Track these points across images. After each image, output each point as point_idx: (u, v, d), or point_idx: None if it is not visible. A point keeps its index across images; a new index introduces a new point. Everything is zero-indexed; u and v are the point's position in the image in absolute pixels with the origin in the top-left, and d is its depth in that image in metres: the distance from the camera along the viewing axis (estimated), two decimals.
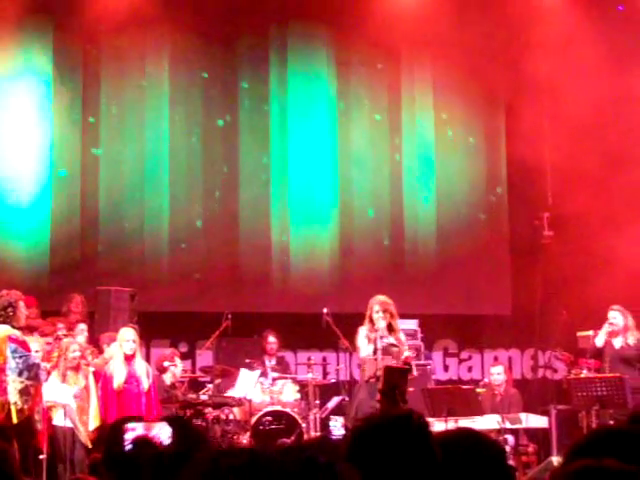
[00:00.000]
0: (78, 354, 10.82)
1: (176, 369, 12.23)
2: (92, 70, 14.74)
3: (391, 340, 11.24)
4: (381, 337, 11.12)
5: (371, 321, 11.34)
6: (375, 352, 11.05)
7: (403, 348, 11.41)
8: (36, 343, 10.53)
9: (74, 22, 14.48)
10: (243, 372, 12.41)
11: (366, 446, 2.80)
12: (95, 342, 11.97)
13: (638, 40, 14.84)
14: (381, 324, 11.22)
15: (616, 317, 11.91)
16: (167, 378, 12.11)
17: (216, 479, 1.68)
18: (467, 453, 3.24)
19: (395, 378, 10.74)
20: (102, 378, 11.01)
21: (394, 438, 2.78)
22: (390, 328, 11.33)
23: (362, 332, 11.40)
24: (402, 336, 11.60)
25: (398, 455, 2.76)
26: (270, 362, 13.41)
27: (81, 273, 14.22)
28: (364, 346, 11.35)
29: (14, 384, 9.38)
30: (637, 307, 12.29)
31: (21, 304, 9.90)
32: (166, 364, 12.18)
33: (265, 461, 1.70)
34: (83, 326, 12.10)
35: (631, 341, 11.86)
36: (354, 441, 2.84)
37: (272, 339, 13.61)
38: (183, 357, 13.22)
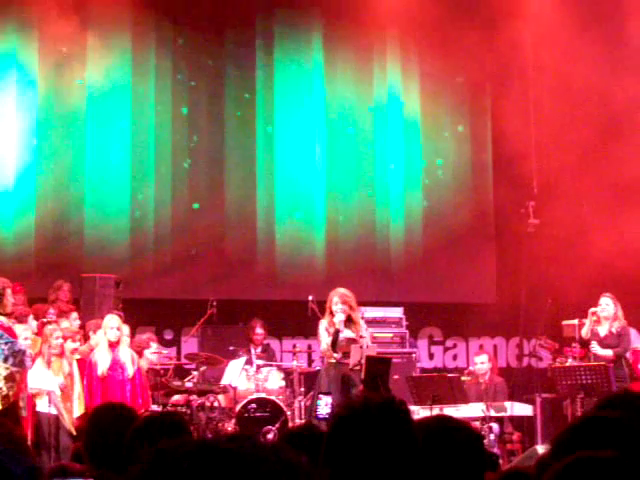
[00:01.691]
0: (61, 341, 10.79)
1: (153, 355, 12.01)
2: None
3: (348, 334, 11.31)
4: (337, 331, 11.31)
5: (331, 313, 11.45)
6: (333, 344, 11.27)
7: (362, 342, 11.39)
8: (28, 331, 10.50)
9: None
10: (232, 363, 12.41)
11: (347, 432, 2.80)
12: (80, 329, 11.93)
13: (626, 25, 14.81)
14: (339, 317, 11.33)
15: (608, 304, 11.98)
16: (144, 364, 11.91)
17: (163, 467, 1.67)
18: (442, 439, 3.25)
19: (377, 368, 10.76)
20: (87, 365, 10.99)
21: (375, 424, 2.79)
22: (349, 320, 11.43)
23: (322, 325, 11.56)
24: (364, 328, 11.66)
25: (379, 441, 2.76)
26: (256, 350, 13.41)
27: (66, 260, 14.16)
28: (324, 339, 11.48)
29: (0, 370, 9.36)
30: (620, 295, 12.32)
31: (8, 291, 9.92)
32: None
33: (212, 447, 1.69)
34: (75, 314, 12.07)
35: (615, 329, 11.92)
36: (335, 427, 2.84)
37: (260, 330, 13.61)
38: (168, 344, 13.15)
